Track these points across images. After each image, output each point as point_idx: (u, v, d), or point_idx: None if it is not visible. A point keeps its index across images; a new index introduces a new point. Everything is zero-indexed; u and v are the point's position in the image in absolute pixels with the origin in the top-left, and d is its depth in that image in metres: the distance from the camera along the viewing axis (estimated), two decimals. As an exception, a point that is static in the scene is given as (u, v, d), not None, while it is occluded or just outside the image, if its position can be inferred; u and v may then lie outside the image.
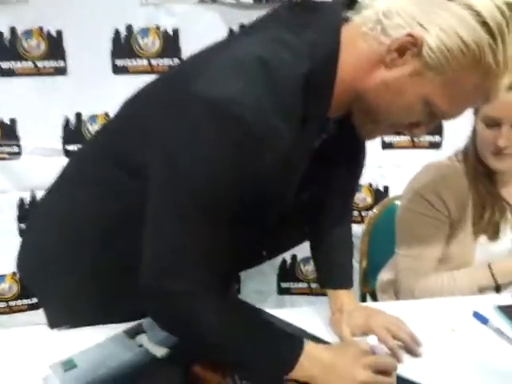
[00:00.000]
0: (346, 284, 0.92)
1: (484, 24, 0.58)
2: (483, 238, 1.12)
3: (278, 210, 0.75)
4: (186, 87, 0.61)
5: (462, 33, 0.58)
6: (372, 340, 0.75)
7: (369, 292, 1.43)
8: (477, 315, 0.93)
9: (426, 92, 0.62)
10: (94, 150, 0.83)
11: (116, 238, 0.77)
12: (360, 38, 0.64)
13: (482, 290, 1.10)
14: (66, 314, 0.86)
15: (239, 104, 0.58)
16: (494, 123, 1.02)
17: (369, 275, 1.43)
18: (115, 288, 0.78)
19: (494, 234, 1.11)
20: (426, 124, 0.68)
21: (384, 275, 1.32)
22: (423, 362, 0.80)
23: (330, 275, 0.94)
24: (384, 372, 0.71)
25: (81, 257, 0.80)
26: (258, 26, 0.71)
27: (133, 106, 0.78)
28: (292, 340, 0.72)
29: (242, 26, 1.57)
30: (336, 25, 0.65)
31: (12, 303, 1.73)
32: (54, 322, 0.87)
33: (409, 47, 0.60)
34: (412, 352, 0.81)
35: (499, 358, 0.81)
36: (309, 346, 0.71)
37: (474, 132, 1.10)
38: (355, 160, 0.90)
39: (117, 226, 0.76)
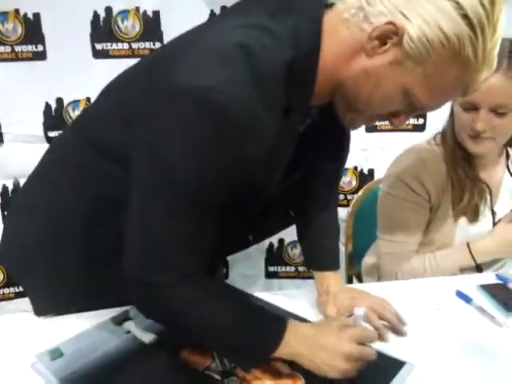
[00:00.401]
0: (332, 266, 0.93)
1: (465, 17, 0.57)
2: (463, 221, 1.13)
3: (264, 196, 0.75)
4: (167, 75, 0.60)
5: (444, 25, 0.57)
6: (359, 311, 0.75)
7: (355, 274, 1.45)
8: (460, 294, 0.95)
9: (405, 82, 0.62)
10: (74, 136, 0.81)
11: (97, 225, 0.76)
12: (342, 25, 0.62)
13: (463, 270, 1.12)
14: (50, 302, 0.86)
15: (220, 92, 0.57)
16: (471, 107, 1.02)
17: (354, 258, 1.44)
18: (98, 275, 0.78)
19: (474, 216, 1.12)
20: (405, 114, 0.68)
21: (368, 259, 1.33)
22: (408, 340, 0.81)
23: (317, 258, 0.94)
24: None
25: (62, 244, 0.80)
26: (240, 10, 0.69)
27: (114, 91, 0.77)
28: (276, 319, 0.73)
29: (223, 8, 1.55)
30: (319, 11, 0.64)
31: (-1, 291, 1.73)
32: (40, 310, 0.87)
33: (390, 36, 0.59)
34: (397, 331, 0.83)
35: (482, 335, 0.83)
36: (292, 324, 0.72)
37: (452, 115, 1.11)
38: (339, 145, 0.90)
39: (98, 213, 0.75)
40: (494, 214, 1.14)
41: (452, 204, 1.12)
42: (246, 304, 0.77)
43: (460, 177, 1.11)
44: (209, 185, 0.62)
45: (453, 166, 1.11)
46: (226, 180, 0.63)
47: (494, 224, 1.15)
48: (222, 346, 0.71)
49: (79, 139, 0.78)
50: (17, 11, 1.48)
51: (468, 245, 1.11)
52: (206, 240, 0.67)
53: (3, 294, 1.73)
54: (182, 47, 0.66)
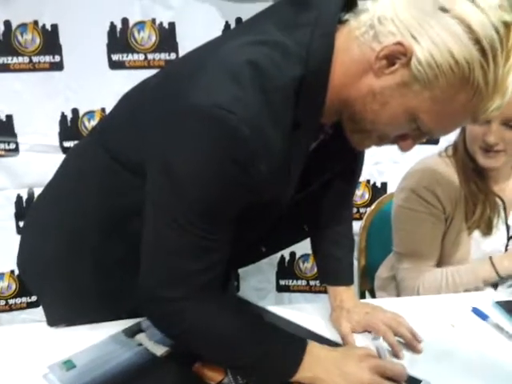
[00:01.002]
0: (346, 281, 0.92)
1: (477, 42, 0.55)
2: (477, 234, 1.12)
3: (276, 211, 0.75)
4: (178, 93, 0.61)
5: (454, 49, 0.56)
6: (377, 342, 0.73)
7: (367, 289, 1.43)
8: (476, 311, 0.93)
9: (411, 105, 0.60)
10: (90, 145, 0.82)
11: (110, 235, 0.76)
12: (353, 43, 0.62)
13: (486, 284, 1.09)
14: (64, 312, 0.86)
15: (229, 112, 0.57)
16: (483, 120, 1.01)
17: (367, 272, 1.42)
18: (110, 285, 0.78)
19: (487, 230, 1.11)
20: (413, 138, 0.66)
21: (382, 273, 1.32)
22: (423, 357, 0.80)
23: (330, 271, 0.94)
24: (390, 378, 0.69)
25: (76, 254, 0.80)
26: (252, 25, 0.70)
27: (129, 102, 0.78)
28: (295, 341, 0.72)
29: (238, 20, 1.56)
30: (332, 27, 0.63)
31: (11, 301, 1.73)
32: (53, 320, 0.87)
33: (398, 56, 0.58)
34: (412, 348, 0.81)
35: (499, 353, 0.82)
36: (312, 347, 0.70)
37: (464, 128, 1.10)
38: (354, 157, 0.90)
39: (111, 223, 0.76)
40: (508, 227, 1.13)
41: (465, 216, 1.11)
42: (263, 323, 0.77)
43: (472, 190, 1.10)
44: (219, 201, 0.62)
45: (465, 179, 1.11)
46: (235, 197, 0.63)
47: (509, 237, 1.13)
48: (237, 365, 0.70)
49: (96, 148, 0.79)
50: (35, 22, 1.51)
51: (490, 258, 1.09)
52: (218, 254, 0.67)
53: (15, 303, 1.74)
54: (193, 64, 0.67)
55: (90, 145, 0.84)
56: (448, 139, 1.72)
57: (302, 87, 0.62)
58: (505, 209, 1.13)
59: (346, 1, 0.65)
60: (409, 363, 0.77)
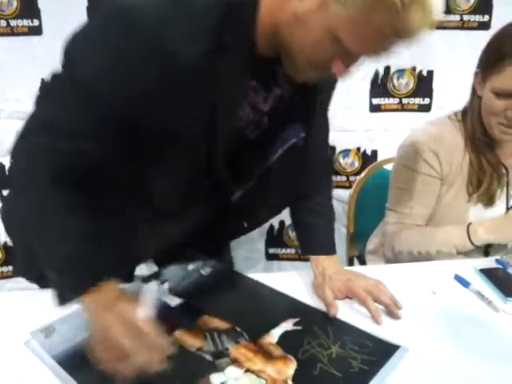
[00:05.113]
0: (328, 250, 0.92)
1: None
2: (479, 205, 1.11)
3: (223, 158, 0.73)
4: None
5: None
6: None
7: (356, 256, 1.44)
8: (458, 278, 0.94)
9: (332, 26, 0.61)
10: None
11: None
12: None
13: (458, 251, 1.08)
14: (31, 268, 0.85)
15: (140, 12, 0.60)
16: (505, 94, 0.98)
17: (356, 239, 1.43)
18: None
19: (490, 201, 1.10)
20: (342, 61, 0.66)
21: (374, 237, 1.32)
22: (403, 324, 0.81)
23: (310, 242, 0.93)
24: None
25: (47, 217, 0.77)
26: None
27: None
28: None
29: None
30: None
31: (-2, 269, 1.73)
32: (20, 272, 0.87)
33: None
34: (392, 315, 0.82)
35: (478, 320, 0.82)
36: (108, 287, 0.67)
37: (474, 96, 1.07)
38: (321, 125, 0.88)
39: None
40: (508, 198, 1.11)
41: (467, 183, 1.10)
42: (97, 233, 0.70)
43: (481, 163, 1.08)
44: (106, 94, 0.63)
45: (473, 150, 1.08)
46: (123, 98, 0.63)
47: (508, 208, 1.12)
48: (49, 255, 0.69)
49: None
50: (10, -15, 1.45)
51: (468, 225, 1.07)
52: (89, 144, 0.66)
53: (1, 272, 1.74)
54: None
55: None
56: (441, 106, 1.70)
57: (230, 12, 0.63)
58: (507, 181, 1.11)
59: None
60: (388, 329, 0.78)
